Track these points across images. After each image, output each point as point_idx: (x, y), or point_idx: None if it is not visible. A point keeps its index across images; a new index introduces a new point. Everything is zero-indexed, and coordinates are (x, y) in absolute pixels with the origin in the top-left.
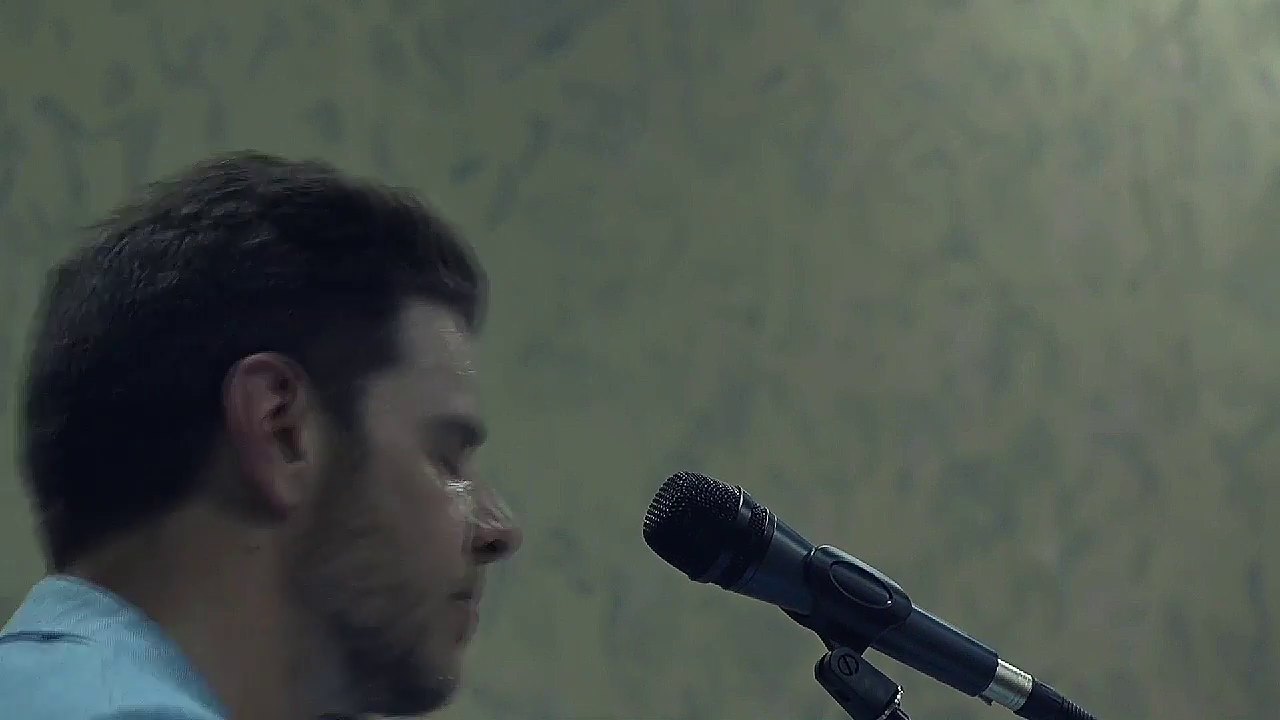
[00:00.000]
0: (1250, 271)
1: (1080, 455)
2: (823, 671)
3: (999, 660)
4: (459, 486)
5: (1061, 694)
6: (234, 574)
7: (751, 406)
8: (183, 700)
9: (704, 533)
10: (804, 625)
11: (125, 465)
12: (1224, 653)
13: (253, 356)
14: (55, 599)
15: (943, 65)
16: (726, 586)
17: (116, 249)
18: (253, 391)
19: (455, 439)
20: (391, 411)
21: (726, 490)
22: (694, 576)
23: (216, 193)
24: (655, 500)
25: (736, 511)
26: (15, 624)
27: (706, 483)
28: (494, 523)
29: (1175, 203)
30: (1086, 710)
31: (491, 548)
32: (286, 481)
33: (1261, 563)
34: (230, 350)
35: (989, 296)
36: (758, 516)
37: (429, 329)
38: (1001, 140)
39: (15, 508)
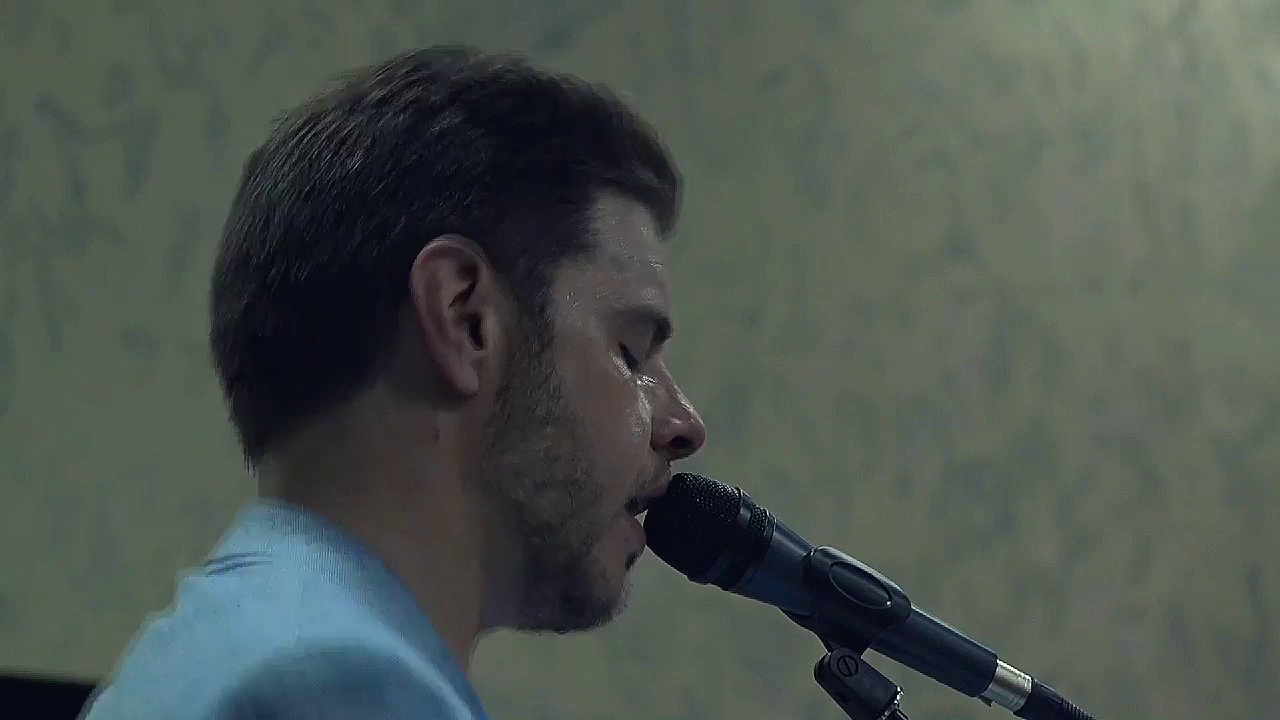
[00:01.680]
0: (1250, 272)
1: (1080, 455)
2: (822, 672)
3: (998, 661)
4: (645, 380)
5: (1061, 695)
6: (418, 461)
7: (751, 407)
8: (371, 631)
9: (704, 534)
10: (804, 626)
11: (309, 347)
12: (1224, 653)
13: (438, 240)
14: (259, 523)
15: (943, 66)
16: (726, 587)
17: (306, 134)
18: (438, 275)
19: (644, 331)
20: (578, 300)
21: (726, 491)
22: (694, 577)
23: (406, 79)
24: (655, 501)
25: (736, 512)
26: (222, 549)
27: (706, 484)
28: (677, 419)
29: (1175, 203)
30: (1086, 711)
31: (675, 443)
32: (469, 367)
33: (1261, 563)
34: (415, 233)
35: (989, 297)
36: (757, 517)
37: (620, 221)
38: (1001, 141)
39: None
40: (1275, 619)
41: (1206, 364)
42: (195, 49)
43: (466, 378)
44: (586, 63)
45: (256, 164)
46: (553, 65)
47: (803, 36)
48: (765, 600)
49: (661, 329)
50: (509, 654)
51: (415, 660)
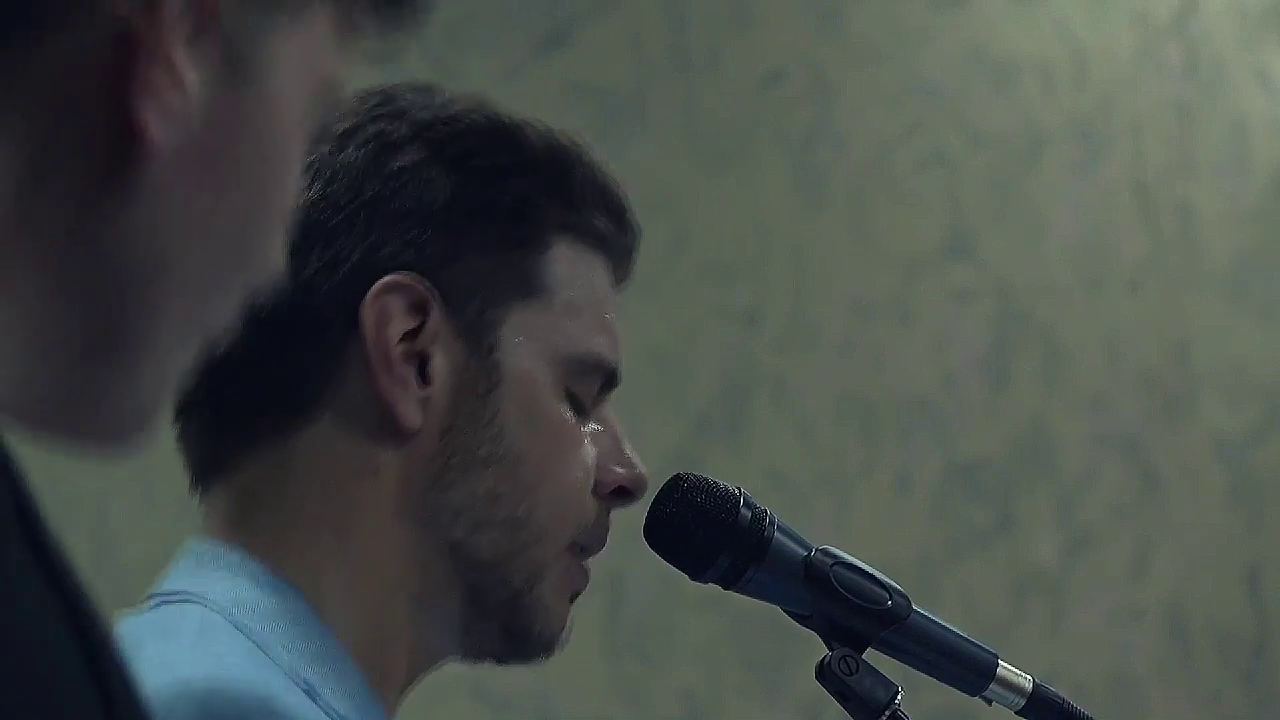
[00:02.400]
0: (1250, 272)
1: (1080, 456)
2: (823, 672)
3: (999, 661)
4: (591, 428)
5: (1062, 695)
6: (356, 497)
7: (751, 407)
8: (250, 671)
9: (704, 533)
10: (804, 626)
11: (258, 377)
12: (1224, 653)
13: (390, 276)
14: (188, 560)
15: (943, 66)
16: (727, 587)
17: None
18: (388, 310)
19: (591, 379)
20: (527, 344)
21: (727, 491)
22: (694, 577)
23: (371, 113)
24: (655, 501)
25: (737, 512)
26: (156, 586)
27: (707, 483)
28: (621, 468)
29: (1175, 203)
30: (1086, 711)
31: (617, 493)
32: (414, 404)
33: (1261, 563)
34: (368, 266)
35: (989, 297)
36: (758, 517)
37: (575, 268)
38: (1001, 141)
39: None
40: (1275, 619)
41: (1206, 364)
42: None
43: (411, 415)
44: (586, 63)
45: None
46: (553, 66)
47: (803, 36)
48: (766, 600)
49: (610, 379)
50: None
51: (294, 706)
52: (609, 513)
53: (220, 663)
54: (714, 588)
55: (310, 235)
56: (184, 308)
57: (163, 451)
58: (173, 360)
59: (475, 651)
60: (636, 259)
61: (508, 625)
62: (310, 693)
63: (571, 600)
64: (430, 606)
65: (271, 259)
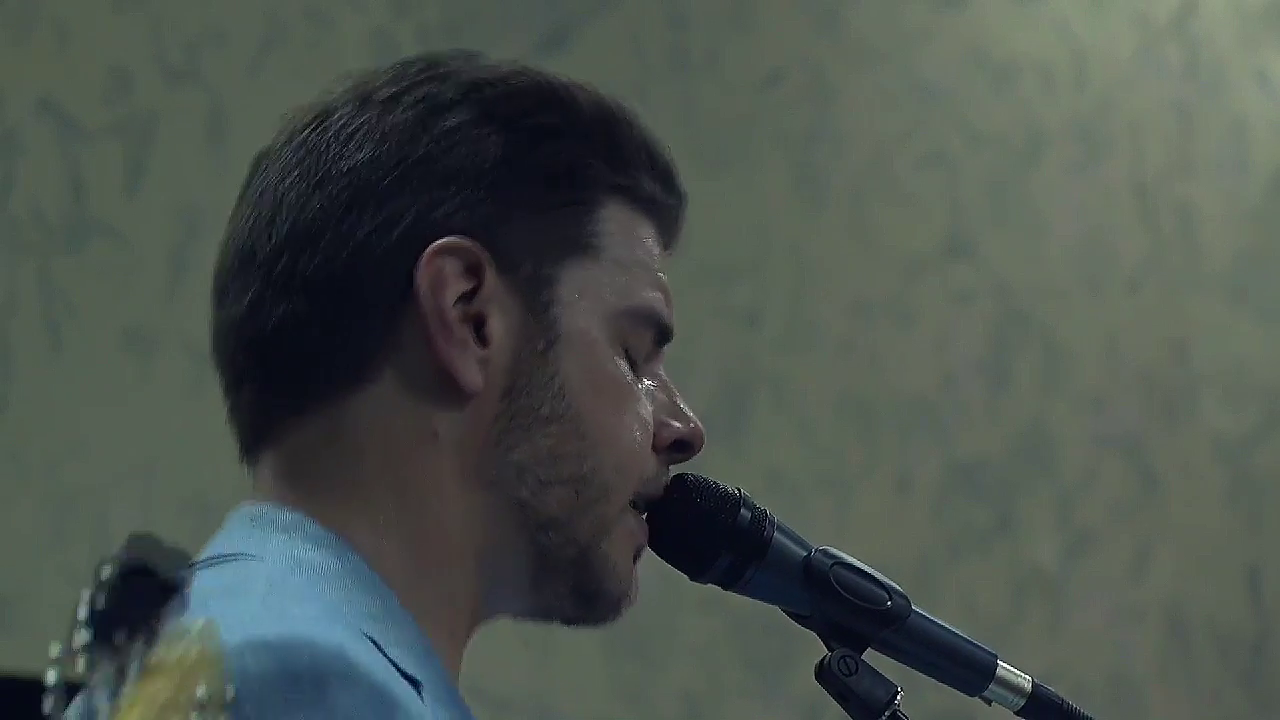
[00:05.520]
0: (1250, 272)
1: (1080, 456)
2: (822, 672)
3: (999, 661)
4: (646, 383)
5: (1061, 695)
6: (417, 460)
7: (751, 407)
8: (324, 628)
9: (704, 534)
10: (804, 626)
11: (312, 341)
12: (1224, 653)
13: (444, 239)
14: (242, 522)
15: (942, 66)
16: (726, 587)
17: (314, 130)
18: (443, 273)
19: (645, 334)
20: (582, 301)
21: (727, 491)
22: (694, 577)
23: (417, 76)
24: (655, 502)
25: (737, 512)
26: (207, 549)
27: (707, 484)
28: (678, 422)
29: (1175, 204)
30: (1086, 711)
31: (675, 447)
32: (474, 365)
33: (1261, 563)
34: (421, 228)
35: (989, 297)
36: (758, 517)
37: (625, 228)
38: (1001, 141)
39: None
40: (1275, 619)
41: (1206, 364)
42: (195, 49)
43: (471, 376)
44: (586, 63)
45: (261, 162)
46: (553, 66)
47: (803, 36)
48: (765, 600)
49: (663, 333)
50: (508, 654)
51: (366, 658)
52: (667, 467)
53: (295, 617)
54: (714, 588)
55: (361, 197)
56: None
57: (163, 451)
58: None
59: (544, 611)
60: (683, 224)
61: (578, 584)
62: (375, 648)
63: (635, 558)
64: (497, 566)
65: None
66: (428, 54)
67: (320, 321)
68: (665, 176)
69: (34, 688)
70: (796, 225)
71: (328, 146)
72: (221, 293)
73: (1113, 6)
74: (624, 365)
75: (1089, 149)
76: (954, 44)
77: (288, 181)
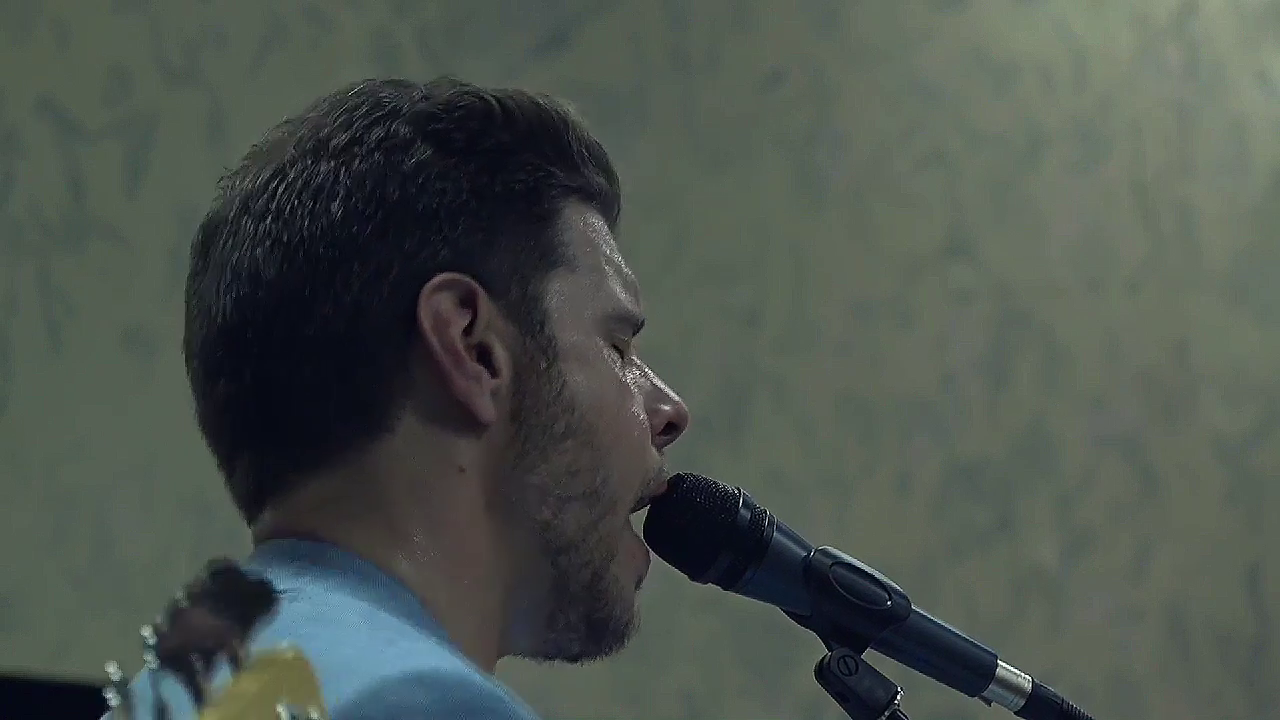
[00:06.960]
0: (1250, 272)
1: (1080, 456)
2: (822, 672)
3: (999, 661)
4: (632, 375)
5: (1061, 695)
6: (445, 496)
7: (751, 407)
8: (464, 665)
9: (704, 534)
10: (804, 626)
11: (326, 401)
12: (1224, 653)
13: (436, 278)
14: (281, 558)
15: (942, 66)
16: (726, 587)
17: (271, 190)
18: (443, 311)
19: (625, 330)
20: (569, 313)
21: (727, 491)
22: (694, 577)
23: (367, 118)
24: (655, 501)
25: (736, 512)
26: None
27: (706, 483)
28: (665, 405)
29: (1175, 203)
30: (1086, 711)
31: (665, 430)
32: (488, 396)
33: (1261, 563)
34: (410, 272)
35: (989, 297)
36: (758, 517)
37: (584, 228)
38: (1001, 141)
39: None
40: (1275, 619)
41: (1206, 364)
42: (195, 49)
43: (487, 408)
44: (586, 63)
45: (218, 231)
46: (553, 66)
47: (803, 36)
48: (765, 600)
49: (636, 325)
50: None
51: (507, 696)
52: (664, 454)
53: (424, 652)
54: (714, 588)
55: (345, 254)
56: None
57: (163, 451)
58: None
59: (554, 646)
60: (619, 204)
61: (590, 610)
62: None
63: (637, 586)
64: (521, 597)
65: None
66: (362, 86)
67: (329, 382)
68: (606, 165)
69: (34, 688)
70: (796, 225)
71: (294, 207)
72: (211, 374)
73: (1113, 6)
74: (617, 368)
75: (1089, 149)
76: (954, 44)
77: (259, 251)
